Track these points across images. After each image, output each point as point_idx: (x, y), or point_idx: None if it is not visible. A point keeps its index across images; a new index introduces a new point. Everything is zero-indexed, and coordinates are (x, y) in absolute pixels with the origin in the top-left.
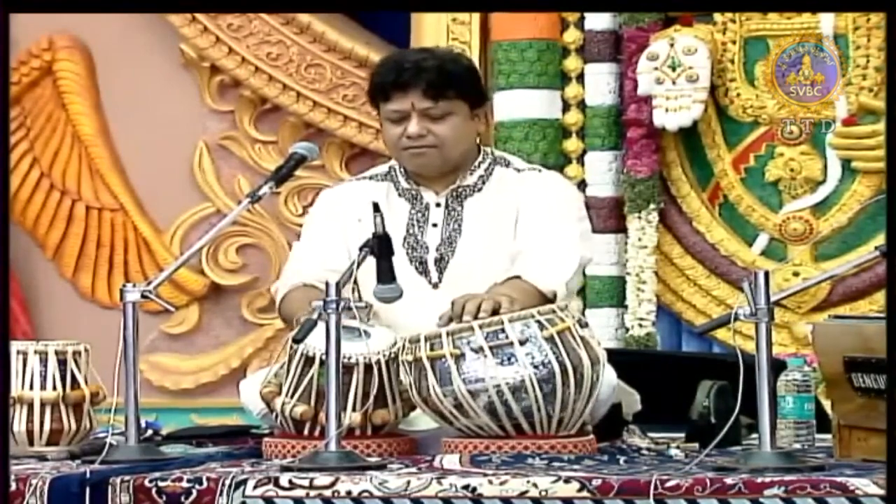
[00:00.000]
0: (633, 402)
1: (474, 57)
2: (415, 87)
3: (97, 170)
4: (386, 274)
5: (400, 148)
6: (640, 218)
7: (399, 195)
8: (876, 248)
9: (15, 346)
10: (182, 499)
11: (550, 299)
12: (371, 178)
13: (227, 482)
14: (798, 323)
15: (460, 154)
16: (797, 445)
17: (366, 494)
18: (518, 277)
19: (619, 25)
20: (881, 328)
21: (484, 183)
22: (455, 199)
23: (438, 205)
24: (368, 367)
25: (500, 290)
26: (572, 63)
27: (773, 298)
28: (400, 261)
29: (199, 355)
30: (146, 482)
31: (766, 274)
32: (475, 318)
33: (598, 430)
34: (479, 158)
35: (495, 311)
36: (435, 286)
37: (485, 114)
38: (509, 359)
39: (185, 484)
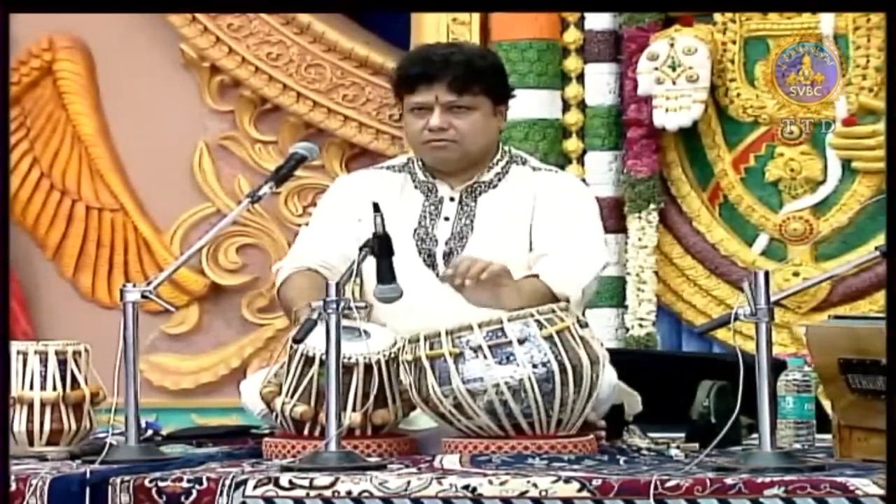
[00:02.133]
0: (634, 403)
1: None
2: (441, 79)
3: (97, 170)
4: (386, 274)
5: (421, 141)
6: (640, 218)
7: (415, 187)
8: (876, 248)
9: (15, 346)
10: (182, 499)
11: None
12: (389, 168)
13: (227, 482)
14: (797, 323)
15: (480, 150)
16: (797, 445)
17: (366, 494)
18: (535, 276)
19: (619, 25)
20: (874, 330)
21: (500, 180)
22: (469, 194)
23: (452, 199)
24: (368, 367)
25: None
26: (572, 63)
27: (773, 298)
28: (408, 252)
29: (199, 355)
30: (146, 482)
31: (766, 274)
32: (466, 274)
33: None
34: (498, 156)
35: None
36: (442, 280)
37: (504, 111)
38: (508, 358)
39: (185, 484)
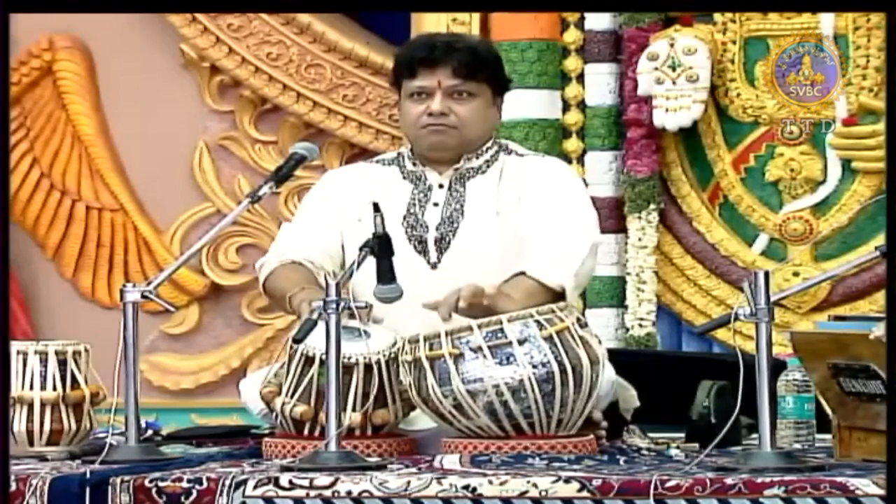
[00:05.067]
0: (629, 397)
1: None
2: (444, 64)
3: (97, 170)
4: (386, 274)
5: (419, 126)
6: (640, 218)
7: (403, 177)
8: (876, 248)
9: (15, 346)
10: (182, 499)
11: (559, 293)
12: (378, 161)
13: (227, 482)
14: (785, 329)
15: (477, 138)
16: (797, 445)
17: (366, 494)
18: (523, 274)
19: (619, 25)
20: (858, 336)
21: (488, 166)
22: (458, 180)
23: (441, 185)
24: (368, 367)
25: (502, 289)
26: (572, 63)
27: (773, 298)
28: (398, 239)
29: (199, 355)
30: (146, 482)
31: (766, 274)
32: (454, 304)
33: None
34: (488, 144)
35: (477, 299)
36: (434, 266)
37: (501, 105)
38: (508, 359)
39: (185, 484)
